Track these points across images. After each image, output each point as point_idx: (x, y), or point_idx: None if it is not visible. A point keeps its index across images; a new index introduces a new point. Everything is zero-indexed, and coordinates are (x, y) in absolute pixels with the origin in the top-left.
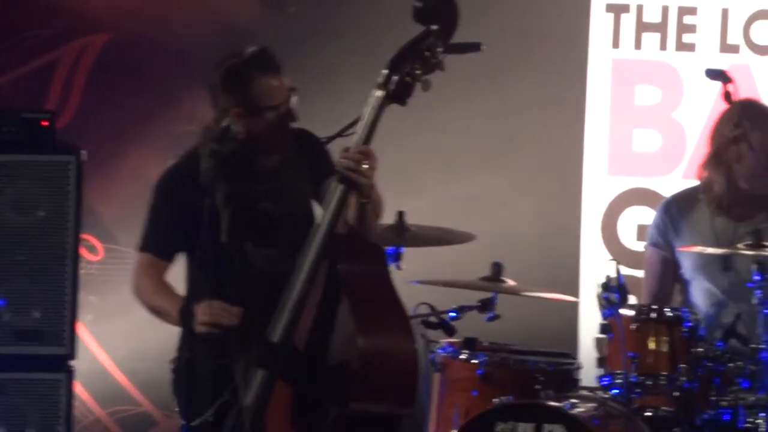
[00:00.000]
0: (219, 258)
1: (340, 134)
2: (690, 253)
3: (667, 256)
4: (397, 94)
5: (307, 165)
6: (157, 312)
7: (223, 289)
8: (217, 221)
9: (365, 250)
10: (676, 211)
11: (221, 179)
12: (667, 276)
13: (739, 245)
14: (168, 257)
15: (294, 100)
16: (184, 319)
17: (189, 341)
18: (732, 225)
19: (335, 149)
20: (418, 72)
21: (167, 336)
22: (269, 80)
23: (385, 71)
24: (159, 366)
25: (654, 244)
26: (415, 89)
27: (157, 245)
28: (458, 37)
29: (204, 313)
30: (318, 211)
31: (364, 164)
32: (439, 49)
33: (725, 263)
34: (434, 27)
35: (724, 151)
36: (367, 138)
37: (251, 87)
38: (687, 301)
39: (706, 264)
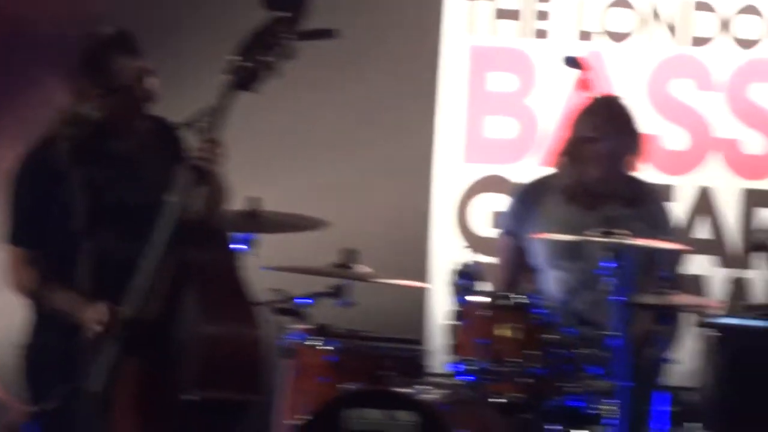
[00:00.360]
0: (73, 247)
1: (192, 121)
2: (542, 240)
3: (520, 244)
4: (246, 82)
5: (161, 150)
6: (48, 302)
7: (76, 278)
8: (71, 209)
9: (211, 237)
10: (529, 199)
11: (75, 164)
12: (520, 263)
13: (591, 233)
14: (42, 246)
15: (152, 82)
16: (41, 294)
17: (40, 326)
18: (583, 213)
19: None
20: (267, 59)
21: (13, 322)
22: (127, 61)
23: (234, 58)
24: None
25: (507, 232)
26: (265, 76)
27: (29, 238)
28: (311, 24)
29: (94, 316)
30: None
31: (212, 152)
32: (289, 36)
33: (576, 251)
34: (283, 14)
35: (577, 148)
36: (217, 125)
37: (108, 67)
38: (539, 289)
39: (557, 252)
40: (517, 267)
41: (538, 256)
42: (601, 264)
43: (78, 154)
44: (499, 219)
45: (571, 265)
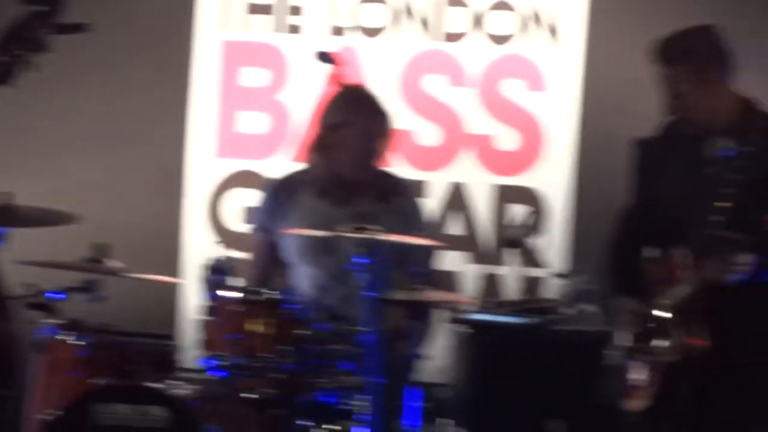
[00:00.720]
0: None
1: None
2: (294, 236)
3: (272, 239)
4: (2, 76)
5: None
6: None
7: None
8: None
9: None
10: (280, 195)
11: None
12: (272, 259)
13: (343, 228)
14: None
15: None
16: None
17: None
18: (334, 208)
19: None
20: (22, 53)
21: None
22: None
23: None
24: None
25: (259, 227)
26: (20, 70)
27: None
28: (65, 18)
29: None
30: None
31: None
32: (46, 30)
33: (327, 247)
34: (38, 8)
35: (328, 137)
36: None
37: None
38: (291, 285)
39: (309, 248)
40: (269, 263)
41: (290, 251)
42: (353, 260)
43: None
44: (250, 214)
45: (323, 260)
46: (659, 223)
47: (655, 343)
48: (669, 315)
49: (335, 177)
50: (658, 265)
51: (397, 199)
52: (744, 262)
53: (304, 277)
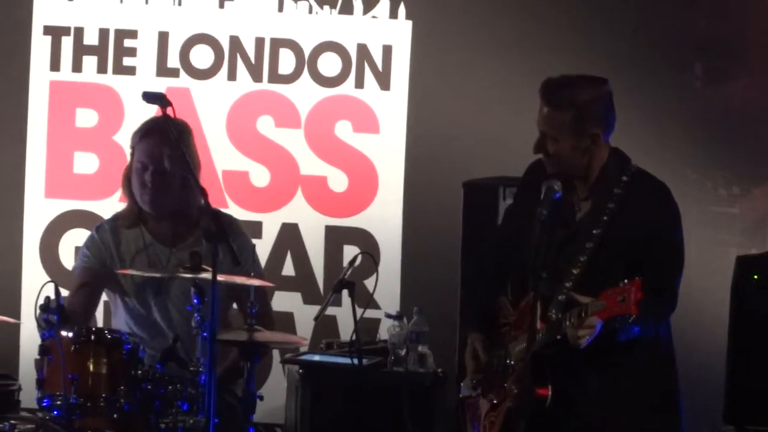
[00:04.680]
0: None
1: None
2: (123, 276)
3: (97, 278)
4: None
5: None
6: None
7: None
8: None
9: None
10: (109, 234)
11: None
12: (95, 298)
13: (176, 269)
14: None
15: None
16: None
17: None
18: (167, 249)
19: None
20: None
21: None
22: None
23: None
24: None
25: (83, 266)
26: None
27: None
28: None
29: None
30: None
31: None
32: None
33: (158, 287)
34: None
35: (127, 174)
36: None
37: None
38: (114, 323)
39: (139, 288)
40: (92, 301)
41: (118, 291)
42: (187, 300)
43: None
44: (79, 254)
45: (154, 301)
46: (508, 265)
47: (499, 386)
48: (518, 361)
49: (142, 214)
50: (509, 308)
51: (228, 238)
52: (591, 324)
53: (131, 317)
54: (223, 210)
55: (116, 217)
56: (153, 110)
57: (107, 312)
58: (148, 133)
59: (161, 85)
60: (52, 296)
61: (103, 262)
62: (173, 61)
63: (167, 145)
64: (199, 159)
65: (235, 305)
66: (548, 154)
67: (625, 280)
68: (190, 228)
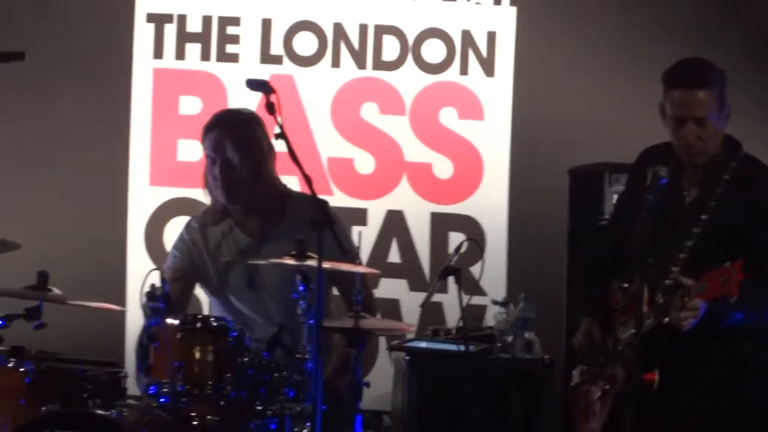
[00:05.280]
0: None
1: None
2: (214, 267)
3: (189, 269)
4: None
5: None
6: None
7: None
8: None
9: None
10: (198, 233)
11: None
12: (185, 297)
13: (282, 256)
14: None
15: None
16: None
17: None
18: (255, 242)
19: None
20: None
21: None
22: None
23: None
24: None
25: (173, 267)
26: None
27: None
28: (0, 45)
29: None
30: None
31: None
32: None
33: (250, 282)
34: None
35: (206, 168)
36: None
37: None
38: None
39: (230, 284)
40: (185, 291)
41: (211, 285)
42: (287, 289)
43: None
44: (169, 254)
45: (247, 295)
46: (620, 252)
47: (609, 372)
48: (626, 346)
49: (226, 209)
50: (619, 295)
51: (334, 224)
52: (694, 307)
53: (225, 311)
54: (327, 197)
55: (202, 214)
56: (257, 97)
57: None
58: (212, 126)
59: (265, 72)
60: (158, 284)
61: (192, 261)
62: (277, 48)
63: (231, 136)
64: (271, 147)
65: (336, 291)
66: (688, 143)
67: (728, 263)
68: (277, 219)
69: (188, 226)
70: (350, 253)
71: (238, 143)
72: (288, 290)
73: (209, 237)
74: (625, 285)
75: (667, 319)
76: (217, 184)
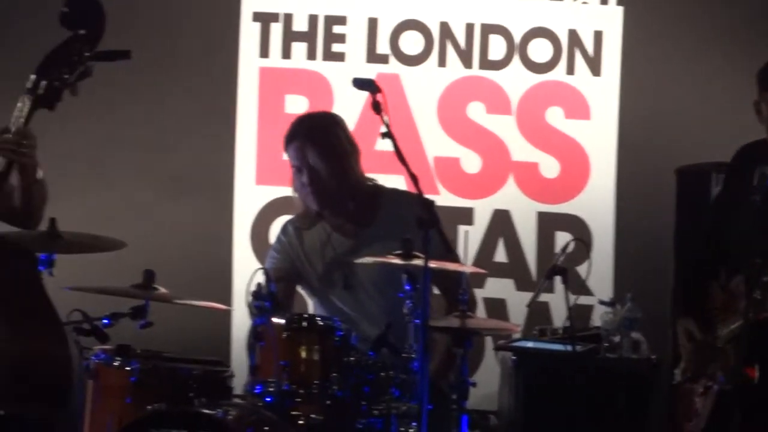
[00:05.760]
0: None
1: None
2: (310, 275)
3: (289, 270)
4: (46, 99)
5: None
6: None
7: None
8: None
9: (15, 254)
10: (294, 236)
11: None
12: (287, 296)
13: (390, 255)
14: None
15: None
16: None
17: None
18: (350, 241)
19: None
20: (65, 77)
21: None
22: None
23: (33, 76)
24: None
25: (273, 267)
26: (63, 95)
27: None
28: (107, 44)
29: None
30: None
31: (23, 144)
32: (86, 55)
33: (346, 282)
34: (81, 32)
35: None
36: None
37: None
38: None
39: (327, 285)
40: (287, 294)
41: (311, 284)
42: (386, 287)
43: None
44: (268, 256)
45: (344, 296)
46: (721, 250)
47: (712, 369)
48: (726, 343)
49: (314, 212)
50: (720, 292)
51: (440, 223)
52: None
53: (326, 311)
54: (434, 197)
55: (296, 218)
56: (363, 97)
57: None
58: (292, 137)
59: (371, 71)
60: (264, 283)
61: (291, 262)
62: (383, 47)
63: (312, 143)
64: (354, 145)
65: (436, 290)
66: None
67: None
68: (370, 218)
69: (284, 229)
70: (453, 253)
71: (320, 149)
72: (387, 289)
73: (305, 240)
74: (726, 283)
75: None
76: (307, 191)
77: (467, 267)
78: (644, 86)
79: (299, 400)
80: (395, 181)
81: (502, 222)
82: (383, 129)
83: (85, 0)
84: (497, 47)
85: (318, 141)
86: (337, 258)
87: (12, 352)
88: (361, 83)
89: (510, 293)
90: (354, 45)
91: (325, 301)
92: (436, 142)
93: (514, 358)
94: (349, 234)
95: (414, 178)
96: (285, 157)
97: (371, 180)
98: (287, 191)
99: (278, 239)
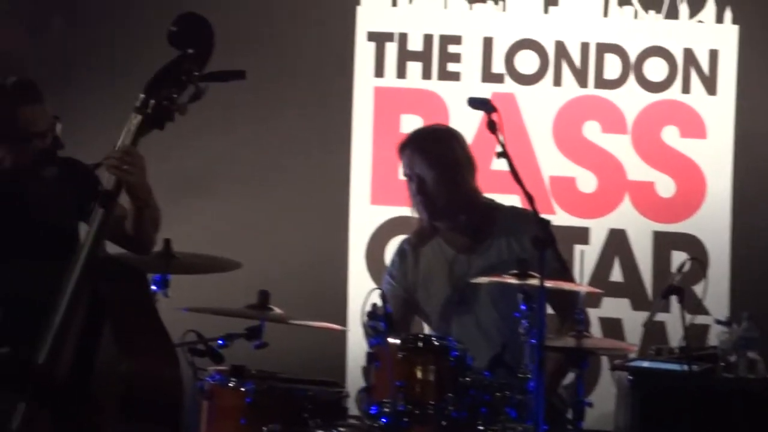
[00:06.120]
0: None
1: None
2: (430, 287)
3: (405, 296)
4: (155, 119)
5: (72, 192)
6: None
7: None
8: None
9: (128, 274)
10: (410, 257)
11: None
12: (407, 308)
13: (506, 275)
14: None
15: (58, 127)
16: None
17: None
18: (465, 257)
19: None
20: (174, 96)
21: None
22: (32, 109)
23: (142, 95)
24: None
25: (390, 294)
26: (174, 114)
27: None
28: (220, 64)
29: None
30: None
31: (127, 163)
32: (196, 74)
33: (461, 300)
34: (189, 51)
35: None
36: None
37: (14, 115)
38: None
39: (442, 305)
40: (404, 312)
41: (427, 303)
42: (502, 306)
43: None
44: (384, 279)
45: (461, 314)
46: None
47: None
48: None
49: (433, 227)
50: None
51: (556, 243)
52: None
53: (443, 328)
54: (549, 216)
55: (412, 235)
56: (478, 116)
57: None
58: (404, 146)
59: (486, 90)
60: (379, 303)
61: (407, 287)
62: (498, 66)
63: (421, 152)
64: (469, 159)
65: (550, 309)
66: None
67: None
68: (484, 233)
69: (400, 250)
70: (569, 272)
71: (428, 159)
72: (501, 307)
73: (420, 258)
74: None
75: None
76: (417, 201)
77: (583, 286)
78: (760, 104)
79: (414, 420)
80: (511, 200)
81: (617, 241)
82: (499, 148)
83: (193, 19)
84: (613, 66)
85: (426, 150)
86: (453, 275)
87: (123, 372)
88: (476, 103)
89: (626, 313)
90: (469, 64)
91: (440, 319)
92: (551, 162)
93: (630, 377)
94: (462, 249)
95: (530, 198)
96: (402, 176)
97: (488, 198)
98: (402, 211)
99: (393, 262)
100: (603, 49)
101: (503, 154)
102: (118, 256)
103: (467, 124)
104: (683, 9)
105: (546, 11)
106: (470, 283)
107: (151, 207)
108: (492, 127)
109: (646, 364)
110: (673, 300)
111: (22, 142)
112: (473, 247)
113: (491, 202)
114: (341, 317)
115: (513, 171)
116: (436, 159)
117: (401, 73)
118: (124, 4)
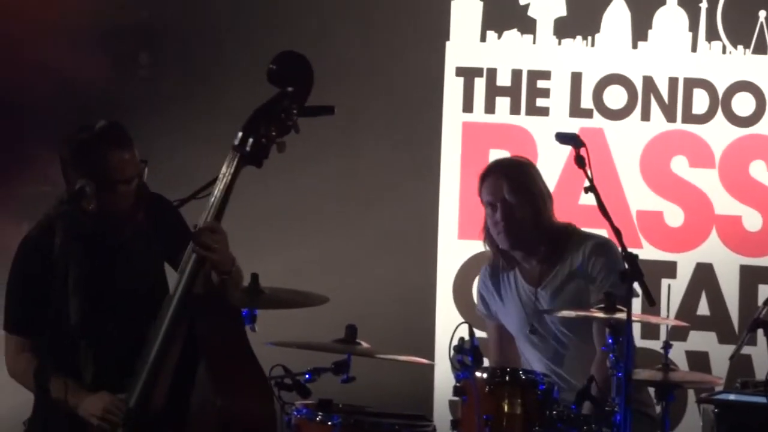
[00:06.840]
0: (71, 336)
1: (194, 196)
2: (509, 320)
3: (498, 323)
4: (253, 156)
5: (160, 234)
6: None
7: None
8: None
9: (223, 311)
10: (490, 281)
11: (74, 257)
12: (506, 342)
13: (593, 309)
14: (37, 334)
15: (145, 172)
16: (39, 381)
17: (43, 403)
18: (533, 289)
19: (190, 211)
20: (273, 134)
21: (23, 399)
22: (120, 154)
23: (241, 133)
24: (13, 427)
25: (483, 312)
26: (270, 151)
27: (22, 325)
28: (313, 100)
29: (95, 408)
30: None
31: (213, 242)
32: (294, 111)
33: (531, 327)
34: (289, 89)
35: (487, 215)
36: (224, 200)
37: (102, 162)
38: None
39: (516, 333)
40: (502, 345)
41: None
42: (577, 335)
43: (75, 247)
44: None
45: (534, 336)
46: None
47: None
48: None
49: (503, 255)
50: None
51: (643, 276)
52: None
53: (531, 357)
54: (637, 250)
55: (486, 269)
56: (566, 151)
57: None
58: (488, 173)
59: (574, 125)
60: (467, 337)
61: (492, 313)
62: (587, 101)
63: (508, 179)
64: (548, 191)
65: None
66: None
67: None
68: (553, 264)
69: (481, 284)
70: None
71: (516, 186)
72: (577, 337)
73: (500, 286)
74: None
75: None
76: (499, 229)
77: (670, 320)
78: None
79: None
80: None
81: (704, 275)
82: (587, 183)
83: (293, 57)
84: (701, 101)
85: (512, 177)
86: (531, 307)
87: (219, 409)
88: (564, 137)
89: (712, 346)
90: (558, 99)
91: (522, 349)
92: (639, 196)
93: (715, 410)
94: (533, 278)
95: (617, 232)
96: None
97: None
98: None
99: (478, 291)
100: (691, 84)
101: (591, 189)
102: (213, 292)
103: (555, 158)
104: None
105: (635, 47)
106: (539, 312)
107: (234, 273)
108: (580, 161)
109: (732, 397)
110: (760, 333)
111: (110, 188)
112: (541, 279)
113: (567, 228)
114: (428, 351)
115: (600, 205)
116: (523, 186)
117: (489, 108)
118: (213, 41)
